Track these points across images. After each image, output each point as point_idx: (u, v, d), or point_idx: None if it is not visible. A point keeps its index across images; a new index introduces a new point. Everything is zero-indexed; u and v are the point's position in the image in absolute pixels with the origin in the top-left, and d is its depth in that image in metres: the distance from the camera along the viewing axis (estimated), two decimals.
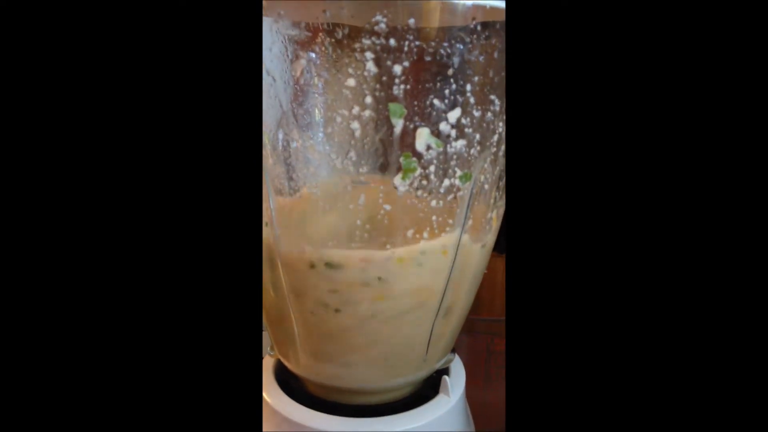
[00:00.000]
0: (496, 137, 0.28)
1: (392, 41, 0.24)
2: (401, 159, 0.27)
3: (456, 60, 0.26)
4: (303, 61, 0.26)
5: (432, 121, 0.26)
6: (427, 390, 0.36)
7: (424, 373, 0.35)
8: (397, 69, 0.25)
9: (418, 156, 0.27)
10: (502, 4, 0.25)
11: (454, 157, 0.27)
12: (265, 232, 0.30)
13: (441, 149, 0.27)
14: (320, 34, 0.25)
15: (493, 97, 0.27)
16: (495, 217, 0.32)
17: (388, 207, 0.27)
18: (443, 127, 0.27)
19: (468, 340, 0.59)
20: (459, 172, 0.28)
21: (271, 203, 0.29)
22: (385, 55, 0.25)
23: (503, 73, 0.27)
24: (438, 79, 0.26)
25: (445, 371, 0.37)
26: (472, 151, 0.28)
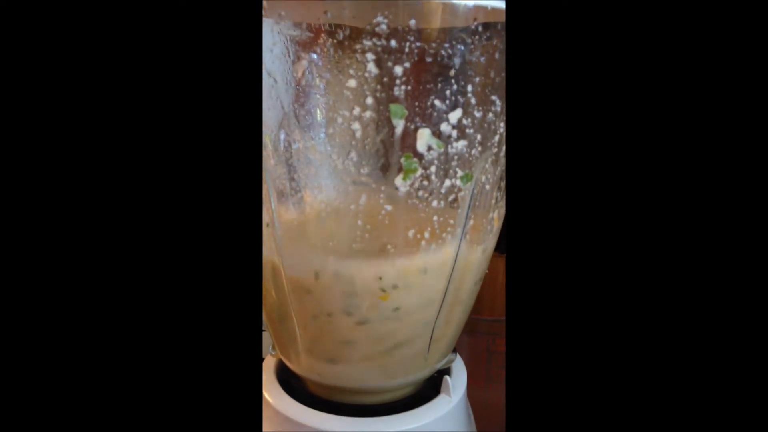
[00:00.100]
0: (497, 138, 0.29)
1: (393, 42, 0.24)
2: (402, 160, 0.27)
3: (457, 61, 0.26)
4: (304, 62, 0.26)
5: (433, 122, 0.26)
6: (428, 390, 0.36)
7: (425, 373, 0.35)
8: (398, 70, 0.25)
9: (419, 157, 0.27)
10: (503, 5, 0.25)
11: (455, 157, 0.27)
12: (267, 233, 0.30)
13: (442, 150, 0.27)
14: (321, 35, 0.25)
15: (494, 97, 0.27)
16: (496, 217, 0.32)
17: (389, 208, 0.27)
18: (444, 127, 0.27)
19: (469, 340, 0.59)
20: (460, 173, 0.28)
21: (273, 204, 0.29)
22: (386, 56, 0.25)
23: (504, 74, 0.27)
24: (439, 79, 0.26)
25: (446, 371, 0.37)
26: (473, 151, 0.28)
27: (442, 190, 0.28)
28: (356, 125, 0.26)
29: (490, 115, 0.28)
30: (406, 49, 0.25)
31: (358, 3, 0.25)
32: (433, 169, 0.27)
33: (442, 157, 0.27)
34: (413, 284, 0.29)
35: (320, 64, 0.26)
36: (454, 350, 0.37)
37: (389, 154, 0.27)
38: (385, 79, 0.25)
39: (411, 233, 0.28)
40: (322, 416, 0.32)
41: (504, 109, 0.28)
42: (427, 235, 0.28)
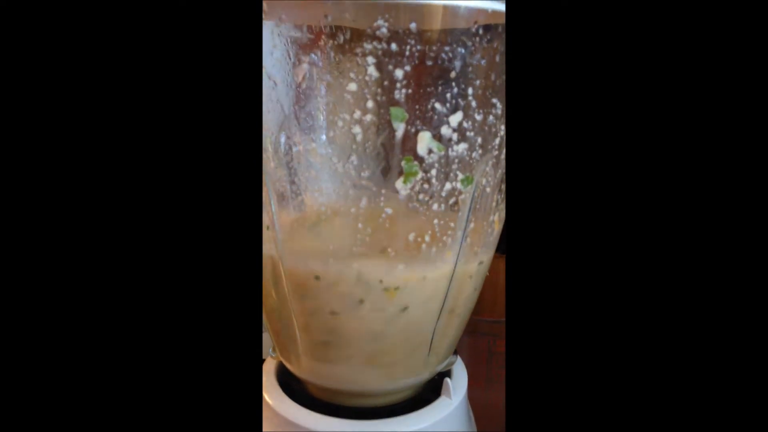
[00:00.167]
0: (497, 140, 0.28)
1: (394, 45, 0.24)
2: (403, 163, 0.27)
3: (458, 64, 0.26)
4: (305, 66, 0.26)
5: (433, 125, 0.26)
6: (428, 392, 0.36)
7: (426, 375, 0.35)
8: (399, 73, 0.25)
9: (420, 160, 0.27)
10: (504, 7, 0.25)
11: (456, 160, 0.27)
12: (267, 235, 0.30)
13: (442, 153, 0.27)
14: (322, 38, 0.25)
15: (495, 100, 0.27)
16: (497, 220, 0.32)
17: (389, 211, 0.27)
18: (445, 130, 0.27)
19: (470, 341, 0.59)
20: (461, 176, 0.28)
21: (273, 207, 0.29)
22: (386, 59, 0.25)
23: (504, 76, 0.27)
24: (439, 82, 0.26)
25: (447, 373, 0.37)
26: (474, 154, 0.28)
27: (443, 194, 0.28)
28: (357, 128, 0.26)
29: (491, 117, 0.27)
30: (407, 52, 0.25)
31: (359, 6, 0.25)
32: (433, 172, 0.27)
33: (442, 160, 0.27)
34: (414, 287, 0.29)
35: (321, 67, 0.26)
36: (455, 352, 0.37)
37: (390, 158, 0.27)
38: (386, 83, 0.25)
39: (412, 236, 0.28)
40: (322, 419, 0.32)
41: (504, 112, 0.28)
42: (427, 238, 0.28)
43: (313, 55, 0.26)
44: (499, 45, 0.26)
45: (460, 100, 0.26)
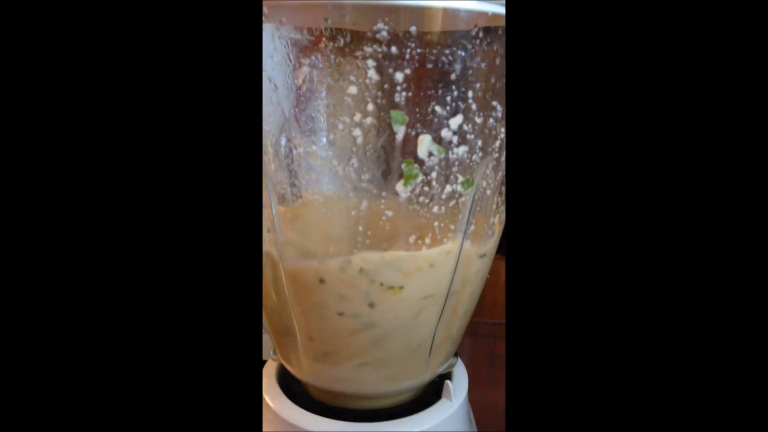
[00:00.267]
0: (498, 143, 0.28)
1: (394, 49, 0.24)
2: (403, 165, 0.27)
3: (458, 66, 0.26)
4: (305, 68, 0.26)
5: (434, 128, 0.26)
6: (429, 395, 0.36)
7: (426, 377, 0.35)
8: (399, 76, 0.25)
9: (420, 162, 0.27)
10: (504, 10, 0.25)
11: (456, 163, 0.27)
12: (268, 237, 0.30)
13: (443, 156, 0.27)
14: (322, 40, 0.25)
15: (495, 103, 0.27)
16: (497, 222, 0.32)
17: (390, 213, 0.27)
18: (445, 133, 0.27)
19: (470, 343, 0.59)
20: (461, 179, 0.28)
21: (273, 209, 0.29)
22: (386, 62, 0.25)
23: (504, 79, 0.27)
24: (440, 85, 0.26)
25: (447, 376, 0.37)
26: (474, 157, 0.28)
27: (443, 196, 0.28)
28: (357, 131, 0.26)
29: (491, 120, 0.28)
30: (407, 56, 0.25)
31: (359, 8, 0.25)
32: (434, 174, 0.27)
33: (442, 163, 0.27)
34: (415, 289, 0.29)
35: (321, 69, 0.26)
36: (455, 354, 0.37)
37: (390, 160, 0.27)
38: (386, 85, 0.25)
39: (412, 239, 0.28)
40: (323, 421, 0.32)
41: (504, 115, 0.28)
42: (428, 240, 0.28)
43: (313, 58, 0.26)
44: (499, 48, 0.26)
45: (460, 102, 0.26)
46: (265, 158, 0.28)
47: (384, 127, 0.26)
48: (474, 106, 0.27)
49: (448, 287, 0.30)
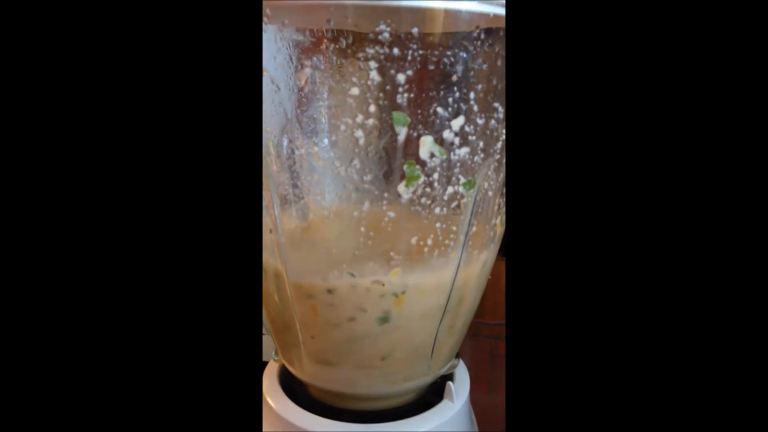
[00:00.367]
0: (499, 144, 0.29)
1: (396, 50, 0.24)
2: (405, 167, 0.27)
3: (459, 68, 0.26)
4: (307, 70, 0.26)
5: (435, 129, 0.26)
6: (431, 396, 0.36)
7: (428, 379, 0.35)
8: (401, 77, 0.25)
9: (422, 164, 0.27)
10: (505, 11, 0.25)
11: (458, 164, 0.27)
12: (270, 239, 0.30)
13: (444, 157, 0.27)
14: (324, 41, 0.25)
15: (496, 104, 0.27)
16: (499, 224, 0.32)
17: (392, 214, 0.27)
18: (447, 134, 0.27)
19: (472, 344, 0.59)
20: (462, 180, 0.28)
21: (276, 210, 0.29)
22: (388, 63, 0.25)
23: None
24: (441, 87, 0.26)
25: (449, 377, 0.37)
26: (476, 158, 0.28)
27: (445, 197, 0.28)
28: (359, 132, 0.26)
29: (493, 121, 0.28)
30: (409, 57, 0.25)
31: (361, 10, 0.25)
32: (435, 176, 0.27)
33: (444, 164, 0.27)
34: (416, 291, 0.29)
35: (323, 71, 0.26)
36: (457, 355, 0.37)
37: (392, 162, 0.27)
38: (388, 87, 0.25)
39: (414, 240, 0.28)
40: (324, 422, 0.32)
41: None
42: (430, 241, 0.28)
43: (315, 59, 0.26)
44: (501, 49, 0.26)
45: (461, 104, 0.26)
46: (267, 159, 0.28)
47: (386, 128, 0.26)
48: (476, 108, 0.27)
49: (449, 289, 0.30)
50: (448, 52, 0.25)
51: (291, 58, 0.26)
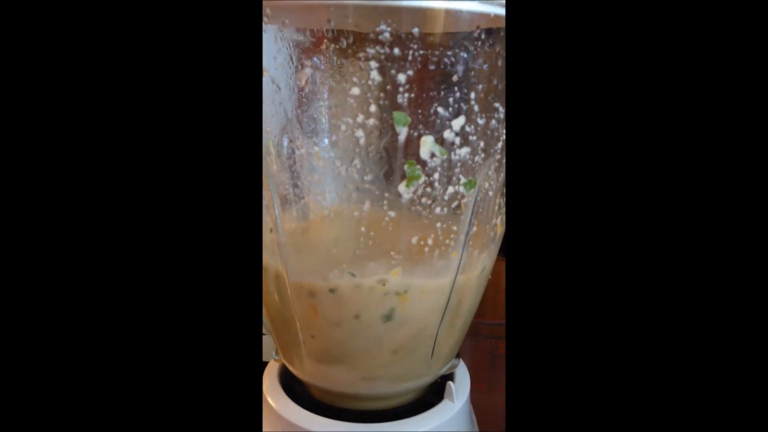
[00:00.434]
0: (500, 144, 0.29)
1: (396, 50, 0.24)
2: (405, 167, 0.27)
3: (460, 68, 0.26)
4: (307, 70, 0.26)
5: (436, 129, 0.26)
6: (431, 396, 0.36)
7: (428, 378, 0.35)
8: (401, 77, 0.25)
9: (423, 164, 0.27)
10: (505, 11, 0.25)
11: (458, 164, 0.27)
12: (270, 238, 0.30)
13: (445, 157, 0.27)
14: (325, 41, 0.25)
15: (497, 104, 0.27)
16: (499, 224, 0.32)
17: (392, 214, 0.27)
18: (447, 134, 0.27)
19: (472, 344, 0.59)
20: (463, 180, 0.28)
21: (276, 210, 0.29)
22: (389, 63, 0.25)
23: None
24: (442, 87, 0.26)
25: (449, 377, 0.37)
26: (477, 158, 0.28)
27: (446, 197, 0.28)
28: (359, 132, 0.26)
29: (493, 122, 0.28)
30: (409, 57, 0.25)
31: (362, 10, 0.25)
32: (436, 176, 0.27)
33: (445, 164, 0.27)
34: (417, 290, 0.29)
35: (323, 71, 0.26)
36: (457, 355, 0.37)
37: (392, 161, 0.27)
38: (389, 87, 0.25)
39: (414, 240, 0.28)
40: (325, 421, 0.32)
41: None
42: (430, 241, 0.28)
43: (315, 59, 0.26)
44: (501, 49, 0.26)
45: (462, 104, 0.26)
46: (267, 159, 0.28)
47: (386, 128, 0.26)
48: (476, 108, 0.27)
49: (450, 288, 0.30)
50: (449, 52, 0.25)
51: (291, 58, 0.26)
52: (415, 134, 0.26)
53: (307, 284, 0.30)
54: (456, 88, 0.26)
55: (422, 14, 0.25)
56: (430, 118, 0.26)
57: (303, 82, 0.26)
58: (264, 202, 0.29)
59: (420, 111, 0.26)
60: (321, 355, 0.33)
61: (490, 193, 0.30)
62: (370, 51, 0.25)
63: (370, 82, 0.25)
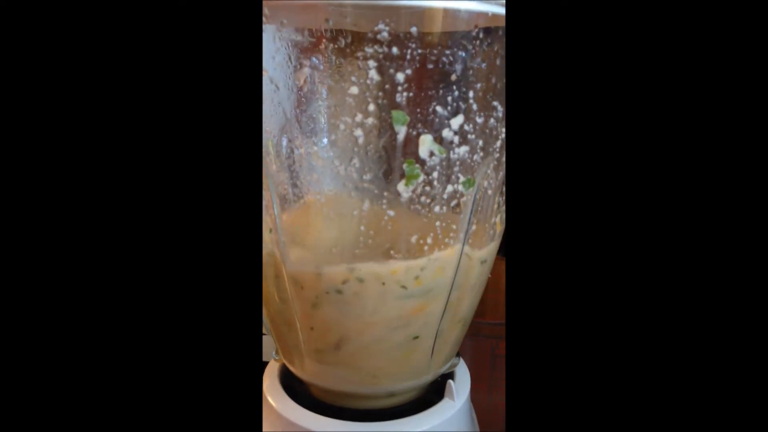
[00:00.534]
0: (498, 143, 0.29)
1: (395, 49, 0.25)
2: (404, 166, 0.27)
3: (458, 67, 0.26)
4: (306, 69, 0.26)
5: (435, 128, 0.26)
6: (431, 394, 0.36)
7: (428, 377, 0.35)
8: (400, 76, 0.25)
9: (422, 162, 0.27)
10: (504, 10, 0.25)
11: (457, 163, 0.27)
12: (270, 238, 0.30)
13: (444, 156, 0.27)
14: (323, 41, 0.25)
15: (495, 103, 0.27)
16: (498, 222, 0.32)
17: (391, 213, 0.27)
18: (446, 133, 0.27)
19: (472, 344, 0.59)
20: (462, 178, 0.28)
21: (275, 209, 0.29)
22: (387, 62, 0.25)
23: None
24: (441, 86, 0.26)
25: (449, 375, 0.37)
26: (475, 157, 0.28)
27: (445, 196, 0.28)
28: (358, 131, 0.26)
29: (492, 120, 0.28)
30: (408, 56, 0.25)
31: (360, 9, 0.25)
32: (435, 174, 0.27)
33: (444, 163, 0.27)
34: (417, 289, 0.29)
35: (322, 70, 0.26)
36: (458, 354, 0.37)
37: (391, 160, 0.27)
38: (387, 86, 0.25)
39: (414, 239, 0.28)
40: (325, 420, 0.32)
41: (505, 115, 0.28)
42: (429, 240, 0.28)
43: (314, 59, 0.26)
44: (500, 48, 0.26)
45: (461, 103, 0.26)
46: (267, 159, 0.28)
47: (385, 127, 0.26)
48: (475, 106, 0.27)
49: (449, 288, 0.30)
50: (447, 51, 0.25)
51: (290, 58, 0.26)
52: (414, 133, 0.26)
53: (307, 284, 0.30)
54: (454, 87, 0.26)
55: (420, 13, 0.25)
56: (429, 117, 0.26)
57: (302, 82, 0.26)
58: (263, 202, 0.29)
59: (419, 110, 0.26)
60: (321, 354, 0.33)
61: (489, 192, 0.30)
62: (369, 50, 0.25)
63: (368, 82, 0.25)
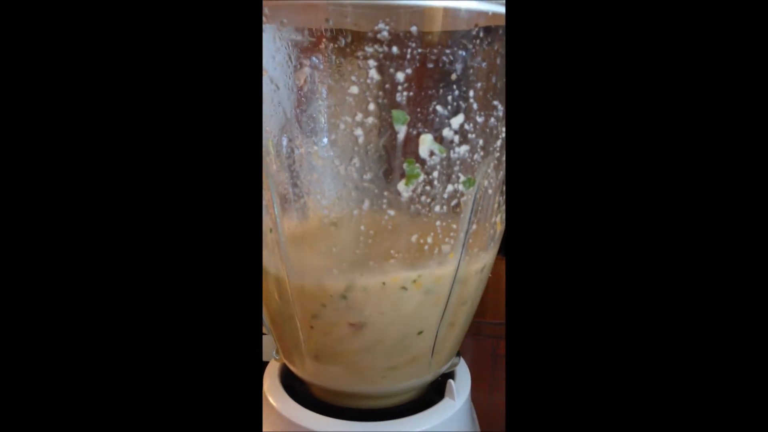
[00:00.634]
0: (499, 142, 0.29)
1: (395, 49, 0.25)
2: (404, 165, 0.27)
3: (459, 66, 0.26)
4: (306, 69, 0.26)
5: (435, 127, 0.26)
6: (432, 394, 0.36)
7: (429, 377, 0.35)
8: (400, 76, 0.25)
9: (422, 162, 0.27)
10: (504, 10, 0.25)
11: (458, 162, 0.27)
12: (270, 238, 0.30)
13: (444, 155, 0.27)
14: (323, 41, 0.25)
15: (496, 102, 0.27)
16: (499, 221, 0.32)
17: (392, 213, 0.27)
18: (446, 133, 0.27)
19: (473, 343, 0.59)
20: (462, 178, 0.28)
21: (276, 210, 0.29)
22: (387, 62, 0.25)
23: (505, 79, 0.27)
24: (441, 85, 0.26)
25: (450, 375, 0.37)
26: (476, 156, 0.28)
27: (445, 195, 0.28)
28: (359, 131, 0.26)
29: (492, 119, 0.28)
30: (408, 55, 0.25)
31: (360, 9, 0.25)
32: (435, 174, 0.27)
33: (444, 163, 0.27)
34: (416, 289, 0.29)
35: (322, 70, 0.26)
36: (458, 354, 0.37)
37: (392, 160, 0.27)
38: (387, 85, 0.25)
39: (414, 238, 0.28)
40: (326, 420, 0.32)
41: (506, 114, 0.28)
42: (430, 240, 0.28)
43: (314, 59, 0.26)
44: (500, 47, 0.26)
45: (461, 102, 0.26)
46: (267, 159, 0.28)
47: (385, 126, 0.26)
48: (475, 106, 0.27)
49: (450, 287, 0.30)
50: (448, 51, 0.25)
51: (290, 58, 0.26)
52: (414, 132, 0.26)
53: (307, 283, 0.30)
54: (455, 87, 0.26)
55: (420, 13, 0.25)
56: (429, 116, 0.26)
57: (302, 82, 0.26)
58: (263, 202, 0.29)
59: (419, 109, 0.26)
60: (321, 354, 0.33)
61: (490, 191, 0.30)
62: (369, 50, 0.25)
63: (368, 81, 0.25)
